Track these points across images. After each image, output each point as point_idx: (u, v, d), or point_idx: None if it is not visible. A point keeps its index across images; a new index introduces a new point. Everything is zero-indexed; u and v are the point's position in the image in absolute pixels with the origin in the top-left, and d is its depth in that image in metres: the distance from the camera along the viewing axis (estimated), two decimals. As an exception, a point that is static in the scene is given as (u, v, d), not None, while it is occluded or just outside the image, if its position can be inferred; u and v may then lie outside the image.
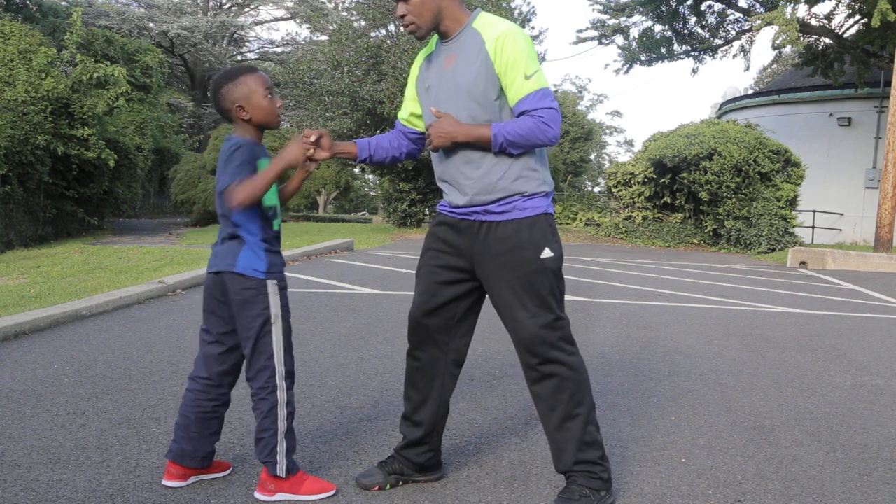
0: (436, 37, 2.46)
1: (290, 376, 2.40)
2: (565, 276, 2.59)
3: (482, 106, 2.30)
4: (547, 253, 2.32)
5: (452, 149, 2.35)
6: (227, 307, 2.41)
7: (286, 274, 2.52)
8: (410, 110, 2.56)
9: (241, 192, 2.26)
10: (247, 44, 35.64)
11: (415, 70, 2.54)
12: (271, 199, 2.40)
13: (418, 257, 2.55)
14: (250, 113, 2.34)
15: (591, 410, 2.38)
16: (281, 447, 2.36)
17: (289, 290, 2.53)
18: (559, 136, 2.27)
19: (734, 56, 26.31)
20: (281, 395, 2.37)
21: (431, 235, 2.50)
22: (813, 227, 18.06)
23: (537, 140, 2.25)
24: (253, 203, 2.29)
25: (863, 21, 16.89)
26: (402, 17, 2.32)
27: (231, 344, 2.45)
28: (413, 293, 2.56)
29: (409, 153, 2.64)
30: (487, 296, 2.44)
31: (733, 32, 19.62)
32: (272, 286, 2.37)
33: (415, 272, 2.55)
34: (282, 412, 2.36)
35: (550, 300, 2.33)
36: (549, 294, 2.33)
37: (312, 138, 2.33)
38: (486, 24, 2.31)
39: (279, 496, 2.38)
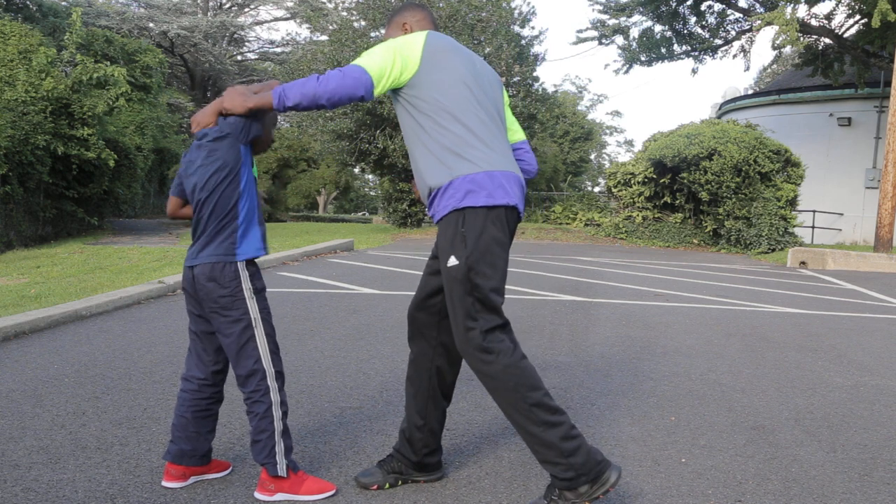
0: None
1: (279, 376, 2.40)
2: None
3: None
4: (452, 261, 2.27)
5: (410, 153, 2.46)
6: (198, 304, 2.42)
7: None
8: None
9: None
10: (247, 44, 35.61)
11: None
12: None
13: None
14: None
15: (531, 411, 2.23)
16: (279, 447, 2.36)
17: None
18: (336, 95, 2.25)
19: (734, 56, 26.31)
20: (274, 396, 2.37)
21: None
22: (813, 227, 18.06)
23: (310, 89, 2.25)
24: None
25: (863, 21, 16.89)
26: None
27: (220, 344, 2.45)
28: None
29: None
30: None
31: (733, 32, 19.63)
32: (248, 290, 2.36)
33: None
34: (277, 412, 2.37)
35: (460, 310, 2.27)
36: (460, 303, 2.27)
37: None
38: None
39: (279, 496, 2.38)
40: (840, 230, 19.29)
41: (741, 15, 18.64)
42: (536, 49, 17.34)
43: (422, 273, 2.58)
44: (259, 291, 2.39)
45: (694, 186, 15.34)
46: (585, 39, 20.03)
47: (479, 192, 2.27)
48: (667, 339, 5.19)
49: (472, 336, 2.25)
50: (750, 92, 27.99)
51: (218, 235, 2.36)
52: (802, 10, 16.38)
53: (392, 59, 2.30)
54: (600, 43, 19.95)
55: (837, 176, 19.69)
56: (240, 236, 2.36)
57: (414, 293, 2.57)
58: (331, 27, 21.02)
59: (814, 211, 18.04)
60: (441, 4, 15.75)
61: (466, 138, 2.31)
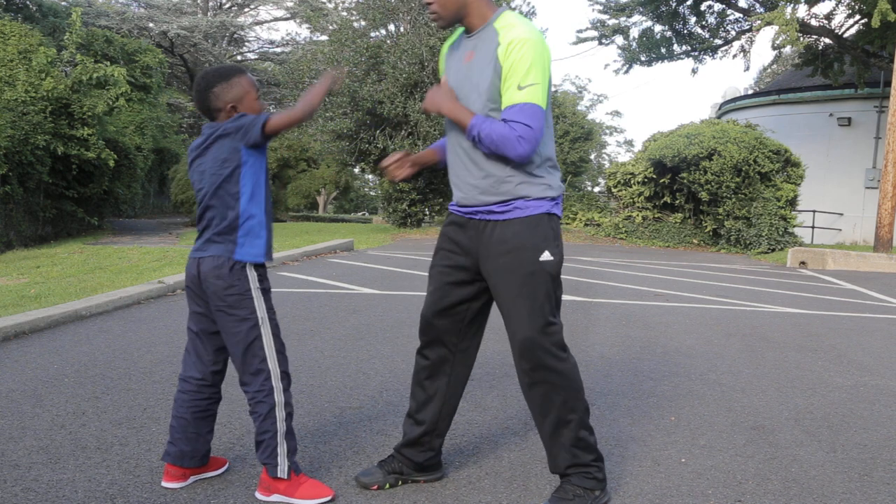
0: (461, 28, 2.45)
1: (285, 377, 2.38)
2: (566, 276, 2.60)
3: (493, 104, 2.28)
4: (546, 256, 2.30)
5: (459, 148, 2.37)
6: (204, 301, 2.41)
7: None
8: None
9: (278, 117, 2.29)
10: (246, 44, 35.62)
11: (441, 61, 2.57)
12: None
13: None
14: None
15: (584, 415, 2.38)
16: (281, 448, 2.35)
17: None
18: (528, 156, 2.24)
19: (734, 56, 26.36)
20: (278, 397, 2.36)
21: (443, 235, 2.50)
22: (813, 227, 18.06)
23: (504, 151, 2.23)
24: (285, 127, 2.31)
25: (863, 21, 16.90)
26: (429, 4, 2.33)
27: (221, 344, 2.45)
28: (425, 292, 2.56)
29: None
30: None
31: (733, 32, 19.63)
32: (255, 289, 2.35)
33: (427, 272, 2.56)
34: (280, 413, 2.36)
35: (545, 304, 2.31)
36: (545, 298, 2.31)
37: (393, 159, 2.50)
38: (506, 25, 2.28)
39: (275, 497, 2.37)
40: (840, 230, 19.29)
41: (741, 15, 18.65)
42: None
43: (434, 278, 2.48)
44: (266, 291, 2.39)
45: (694, 186, 15.34)
46: (585, 39, 20.04)
47: (559, 205, 2.39)
48: (667, 339, 5.19)
49: (555, 331, 2.33)
50: (750, 92, 27.99)
51: (221, 235, 2.35)
52: (802, 10, 16.39)
53: (549, 82, 2.25)
54: (600, 43, 19.96)
55: (837, 176, 19.69)
56: (240, 238, 2.34)
57: (427, 299, 2.49)
58: (331, 27, 21.04)
59: (814, 211, 18.04)
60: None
61: (553, 151, 2.37)
